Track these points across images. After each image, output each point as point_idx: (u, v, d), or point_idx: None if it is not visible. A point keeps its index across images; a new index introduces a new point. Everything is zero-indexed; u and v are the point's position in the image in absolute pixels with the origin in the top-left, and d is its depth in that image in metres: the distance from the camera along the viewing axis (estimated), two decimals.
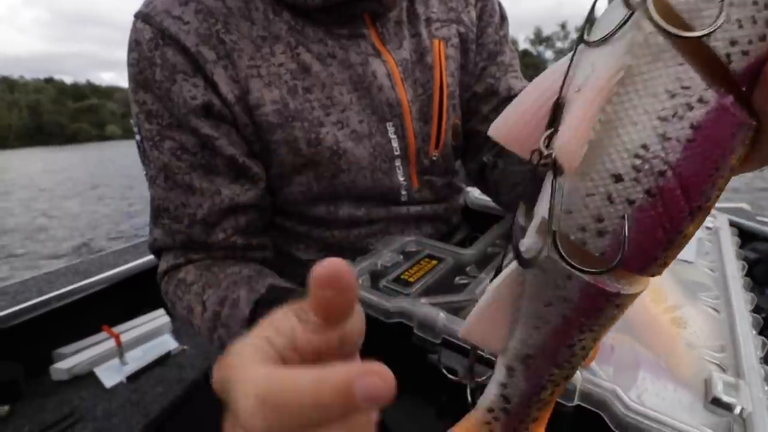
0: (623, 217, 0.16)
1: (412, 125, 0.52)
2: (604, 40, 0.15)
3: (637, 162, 0.15)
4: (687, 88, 0.14)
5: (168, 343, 1.20)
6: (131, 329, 1.20)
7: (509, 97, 0.58)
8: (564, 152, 0.15)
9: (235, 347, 0.15)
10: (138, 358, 1.12)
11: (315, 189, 0.49)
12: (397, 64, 0.50)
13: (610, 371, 0.32)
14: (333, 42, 0.47)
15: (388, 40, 0.50)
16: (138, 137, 0.46)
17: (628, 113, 0.15)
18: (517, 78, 0.60)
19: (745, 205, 2.06)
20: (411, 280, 0.45)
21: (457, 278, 0.48)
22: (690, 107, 0.14)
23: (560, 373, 0.19)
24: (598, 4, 0.16)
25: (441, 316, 0.37)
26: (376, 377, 0.12)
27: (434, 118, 0.54)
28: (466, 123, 0.60)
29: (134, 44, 0.43)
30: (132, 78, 0.44)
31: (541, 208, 0.18)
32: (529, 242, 0.18)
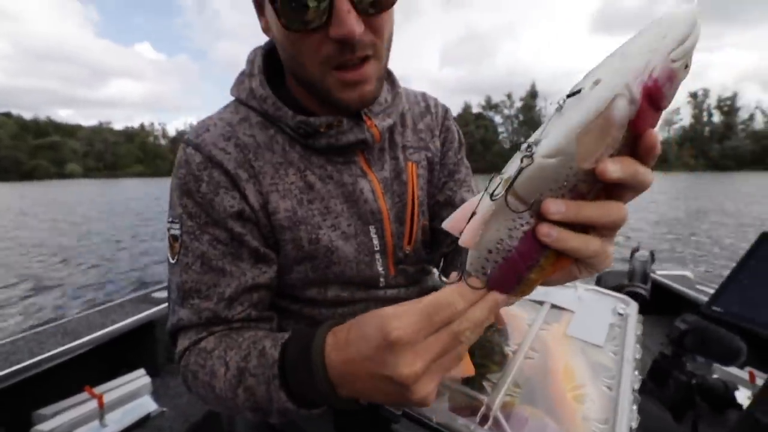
0: (490, 270, 0.33)
1: (390, 227, 0.66)
2: (493, 196, 0.31)
3: (498, 245, 0.32)
4: (522, 219, 0.30)
5: (148, 404, 1.23)
6: (112, 390, 1.23)
7: None
8: (463, 240, 0.32)
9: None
10: (117, 420, 1.15)
11: (310, 276, 0.62)
12: (379, 182, 0.65)
13: None
14: (331, 167, 0.60)
15: (373, 164, 0.65)
16: (177, 231, 0.57)
17: (496, 224, 0.32)
18: (469, 191, 0.76)
19: (688, 273, 2.28)
20: None
21: None
22: (522, 226, 0.31)
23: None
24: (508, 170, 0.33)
25: None
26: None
27: (407, 221, 0.68)
28: (431, 222, 0.75)
29: (184, 163, 0.55)
30: (178, 187, 0.56)
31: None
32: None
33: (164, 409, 1.23)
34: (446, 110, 0.79)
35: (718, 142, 70.34)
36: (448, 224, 0.35)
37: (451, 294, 0.34)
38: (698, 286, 1.96)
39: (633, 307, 0.75)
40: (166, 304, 1.52)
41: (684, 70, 0.26)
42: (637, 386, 0.55)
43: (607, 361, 0.59)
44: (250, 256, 0.57)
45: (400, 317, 0.35)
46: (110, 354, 1.31)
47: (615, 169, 0.27)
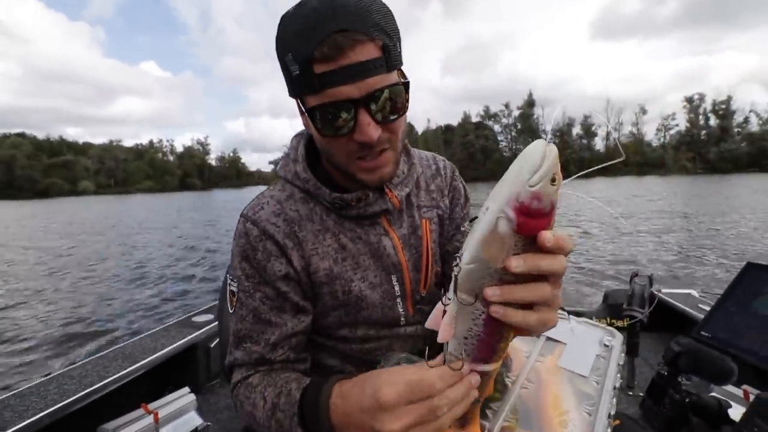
0: (470, 351, 0.43)
1: (408, 275, 0.80)
2: (450, 300, 0.42)
3: (469, 332, 0.42)
4: (478, 310, 0.40)
5: (194, 419, 1.39)
6: (163, 406, 1.39)
7: None
8: (440, 338, 0.42)
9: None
10: None
11: (344, 319, 0.76)
12: (399, 239, 0.76)
13: None
14: (360, 229, 0.73)
15: (393, 223, 0.79)
16: (235, 288, 0.71)
17: (461, 318, 0.41)
18: None
19: (693, 292, 2.36)
20: None
21: None
22: (481, 315, 0.40)
23: None
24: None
25: None
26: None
27: (423, 269, 0.82)
28: (442, 267, 0.90)
29: (244, 235, 0.69)
30: (238, 253, 0.70)
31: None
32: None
33: (208, 423, 1.38)
34: (453, 170, 0.93)
35: (715, 145, 70.11)
36: (429, 323, 0.45)
37: (433, 375, 0.44)
38: (701, 305, 2.05)
39: (618, 339, 0.88)
40: (206, 328, 1.71)
41: (550, 185, 0.35)
42: (612, 412, 0.67)
43: (590, 390, 0.71)
44: (292, 309, 0.71)
45: (391, 385, 0.45)
46: (159, 374, 1.48)
47: (518, 264, 0.37)
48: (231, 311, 0.73)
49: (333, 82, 0.56)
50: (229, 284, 0.74)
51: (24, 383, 1.28)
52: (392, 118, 0.61)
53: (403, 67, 0.65)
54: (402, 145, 0.71)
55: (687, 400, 1.30)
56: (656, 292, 2.22)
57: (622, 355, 0.83)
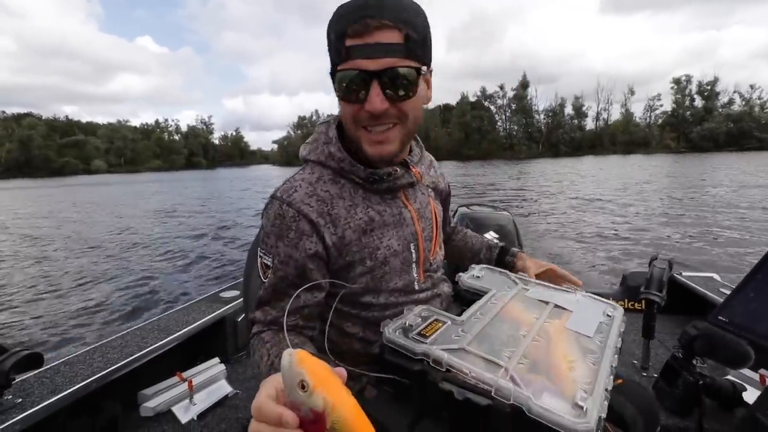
0: None
1: (422, 244, 0.88)
2: None
3: None
4: None
5: (224, 387, 1.48)
6: (195, 375, 1.49)
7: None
8: None
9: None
10: (203, 400, 1.41)
11: (370, 285, 0.83)
12: (416, 211, 0.87)
13: (530, 392, 0.63)
14: (384, 203, 0.83)
15: (410, 197, 0.88)
16: (268, 262, 0.78)
17: None
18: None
19: (716, 276, 2.33)
20: (427, 334, 0.74)
21: (453, 335, 0.79)
22: None
23: None
24: None
25: (446, 356, 0.68)
26: None
27: (433, 239, 0.92)
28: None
29: (279, 216, 0.75)
30: (274, 233, 0.76)
31: None
32: None
33: (237, 391, 1.48)
34: (439, 166, 1.07)
35: (698, 125, 70.49)
36: None
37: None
38: (722, 290, 2.03)
39: (619, 311, 0.90)
40: (233, 304, 1.81)
41: (300, 392, 0.35)
42: (615, 364, 0.72)
43: (594, 347, 0.76)
44: (309, 286, 0.77)
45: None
46: (191, 345, 1.59)
47: None
48: (264, 280, 0.80)
49: (357, 54, 0.66)
50: (262, 257, 0.81)
51: (73, 350, 1.41)
52: (398, 98, 0.70)
53: (427, 68, 0.75)
54: (414, 127, 0.79)
55: (701, 382, 1.31)
56: (676, 275, 2.21)
57: (623, 323, 0.87)
